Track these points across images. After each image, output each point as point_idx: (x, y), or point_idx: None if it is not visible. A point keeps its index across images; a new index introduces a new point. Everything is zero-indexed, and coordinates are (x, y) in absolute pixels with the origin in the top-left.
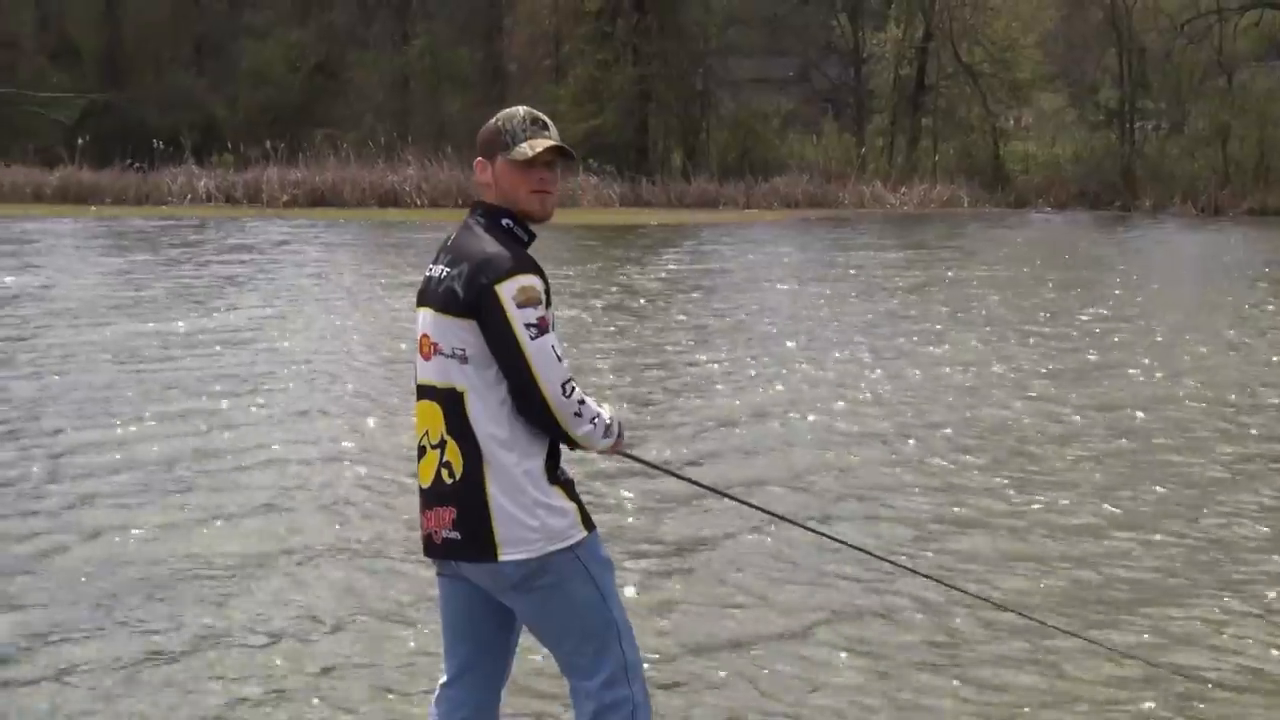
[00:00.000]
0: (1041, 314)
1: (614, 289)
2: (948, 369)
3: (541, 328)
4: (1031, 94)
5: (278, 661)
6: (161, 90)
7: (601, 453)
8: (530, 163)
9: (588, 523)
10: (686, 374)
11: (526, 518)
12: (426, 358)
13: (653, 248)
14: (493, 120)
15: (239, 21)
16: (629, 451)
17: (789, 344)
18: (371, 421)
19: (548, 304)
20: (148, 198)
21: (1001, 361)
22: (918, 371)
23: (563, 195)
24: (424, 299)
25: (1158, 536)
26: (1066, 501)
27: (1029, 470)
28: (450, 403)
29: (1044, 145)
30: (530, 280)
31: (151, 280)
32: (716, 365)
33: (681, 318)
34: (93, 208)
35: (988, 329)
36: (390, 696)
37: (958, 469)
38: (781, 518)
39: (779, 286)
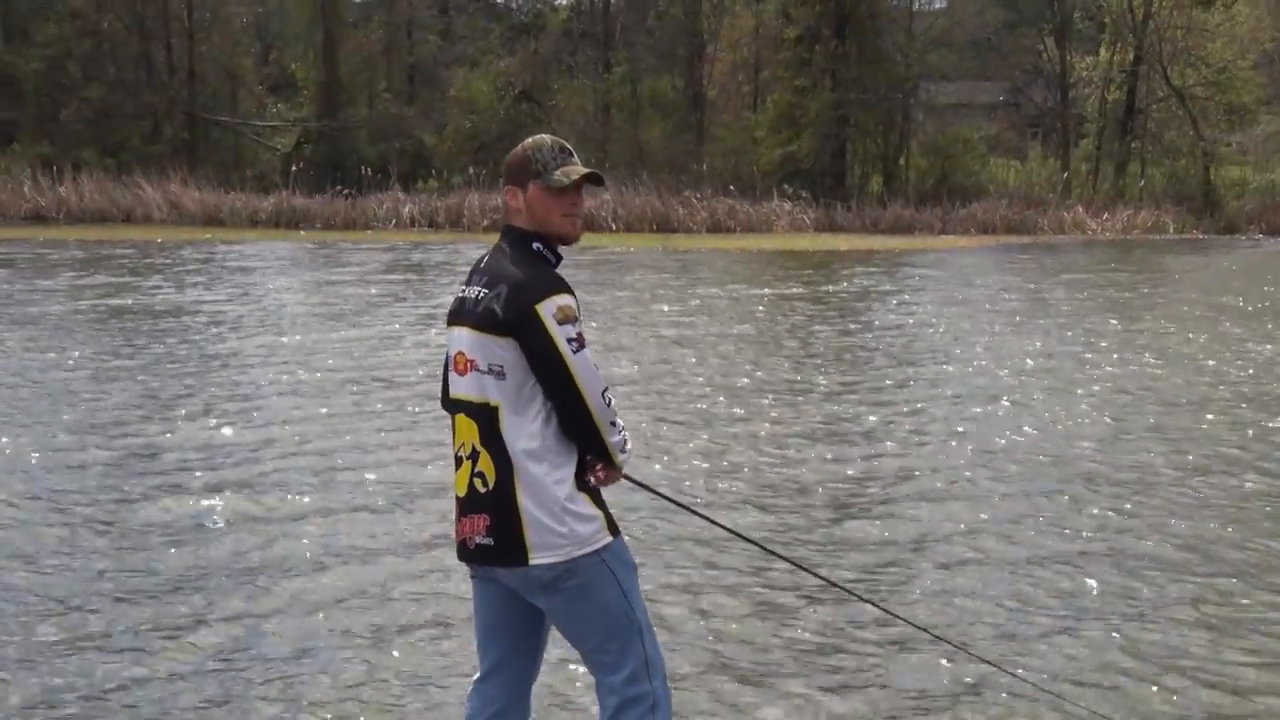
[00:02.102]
0: None
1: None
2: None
3: (580, 342)
4: (1252, 117)
5: None
6: (373, 119)
7: (609, 479)
8: (564, 189)
9: (613, 528)
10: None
11: (555, 524)
12: (462, 373)
13: (850, 274)
14: (520, 149)
15: (450, 51)
16: (633, 476)
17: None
18: None
19: (579, 320)
20: (355, 223)
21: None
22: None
23: (756, 220)
24: (459, 318)
25: None
26: None
27: None
28: (485, 416)
29: (1260, 169)
30: (567, 300)
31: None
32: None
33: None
34: (302, 232)
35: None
36: None
37: None
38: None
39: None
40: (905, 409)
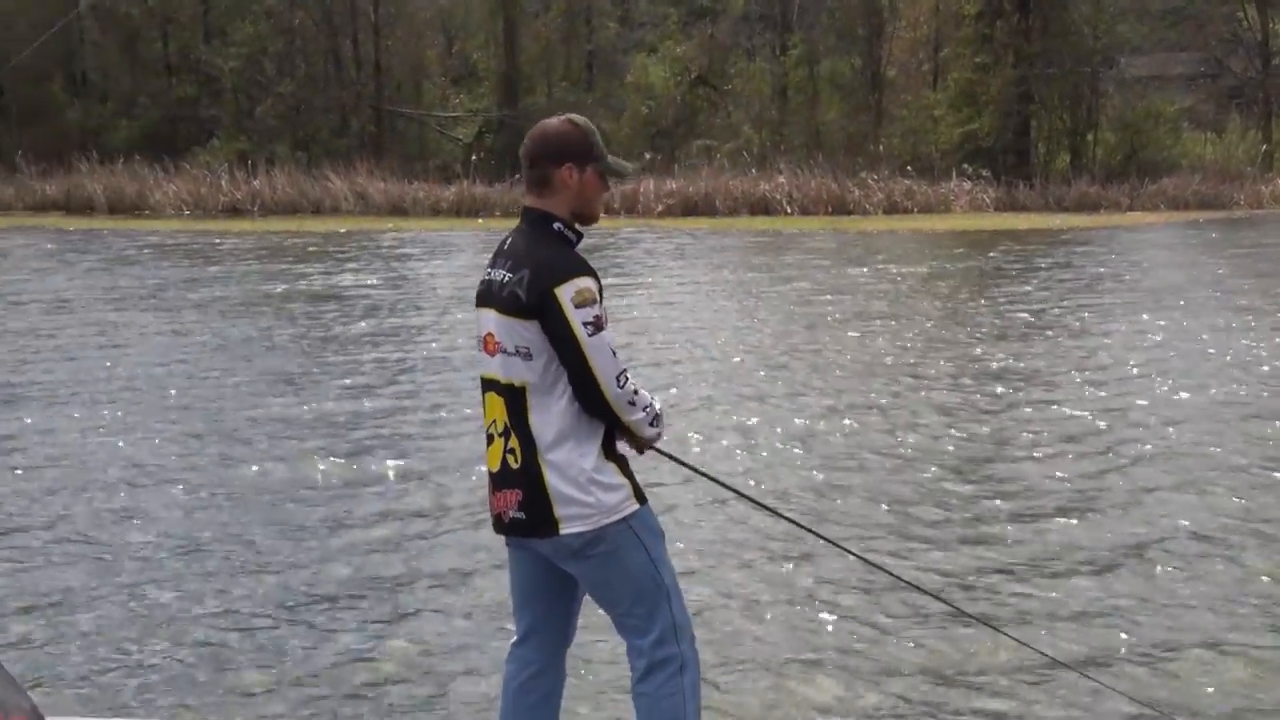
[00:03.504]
0: None
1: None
2: None
3: (598, 325)
4: None
5: None
6: (552, 107)
7: (645, 443)
8: (616, 176)
9: (640, 496)
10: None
11: (582, 495)
12: (491, 354)
13: (1026, 255)
14: (574, 129)
15: (629, 37)
16: (664, 450)
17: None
18: None
19: (601, 302)
20: None
21: None
22: None
23: (934, 201)
24: (486, 300)
25: None
26: None
27: None
28: (513, 396)
29: None
30: (586, 282)
31: None
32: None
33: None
34: (480, 220)
35: None
36: None
37: None
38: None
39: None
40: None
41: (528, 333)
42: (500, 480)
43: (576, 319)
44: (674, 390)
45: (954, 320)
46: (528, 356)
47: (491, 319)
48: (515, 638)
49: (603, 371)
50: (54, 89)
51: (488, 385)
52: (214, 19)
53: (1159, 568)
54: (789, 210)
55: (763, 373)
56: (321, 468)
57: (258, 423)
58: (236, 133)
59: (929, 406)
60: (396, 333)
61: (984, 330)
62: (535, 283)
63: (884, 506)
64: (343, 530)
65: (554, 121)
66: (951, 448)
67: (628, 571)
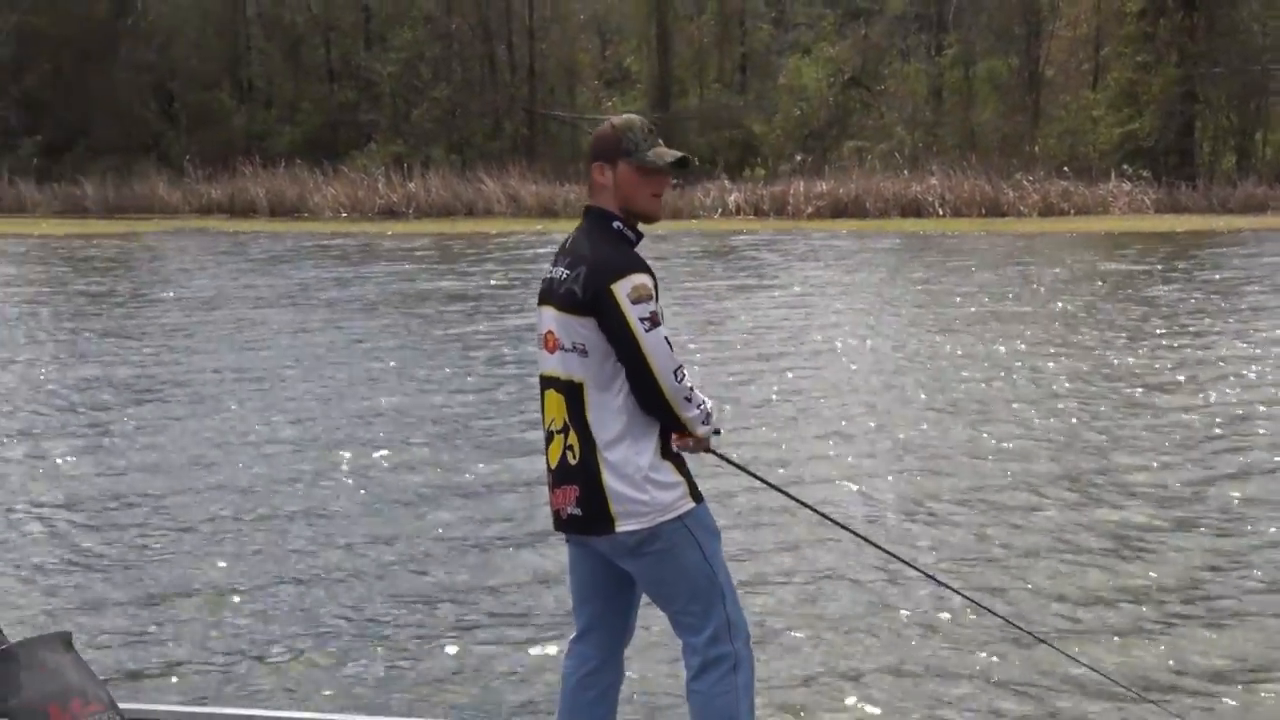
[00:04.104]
0: None
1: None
2: None
3: (654, 321)
4: None
5: None
6: (703, 109)
7: (696, 446)
8: (656, 170)
9: (696, 495)
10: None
11: (638, 493)
12: (550, 352)
13: (1186, 254)
14: (609, 128)
15: (783, 39)
16: (718, 450)
17: None
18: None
19: (657, 299)
20: (681, 212)
21: None
22: None
23: (1091, 202)
24: (546, 298)
25: None
26: None
27: None
28: (571, 393)
29: None
30: (642, 279)
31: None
32: None
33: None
34: None
35: None
36: None
37: None
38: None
39: None
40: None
41: (584, 329)
42: (559, 477)
43: (633, 315)
44: (777, 390)
45: (1087, 322)
46: (584, 353)
47: (551, 316)
48: (574, 634)
49: (660, 366)
50: (221, 96)
51: (547, 383)
52: (374, 26)
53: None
54: (940, 212)
55: (877, 377)
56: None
57: (360, 417)
58: (393, 136)
59: (1049, 413)
60: (520, 334)
61: (1117, 333)
62: (591, 280)
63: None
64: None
65: (603, 125)
66: (1058, 455)
67: (683, 569)
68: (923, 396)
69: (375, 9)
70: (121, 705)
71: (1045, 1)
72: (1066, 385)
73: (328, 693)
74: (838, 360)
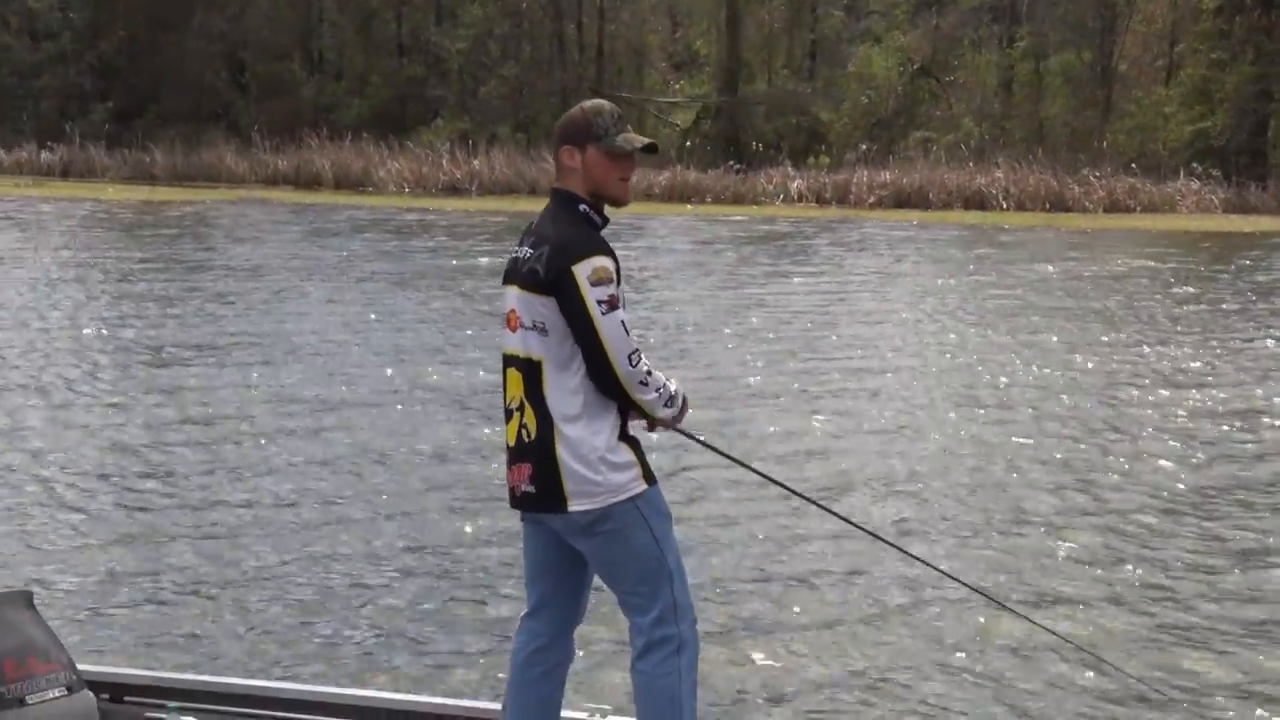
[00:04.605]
0: None
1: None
2: None
3: (612, 304)
4: None
5: None
6: (771, 95)
7: (661, 423)
8: (625, 154)
9: (649, 477)
10: None
11: (591, 473)
12: (513, 330)
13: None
14: (579, 112)
15: (855, 27)
16: (684, 429)
17: None
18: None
19: (618, 282)
20: (743, 198)
21: None
22: None
23: (1158, 200)
24: (511, 278)
25: None
26: None
27: None
28: (530, 371)
29: None
30: (603, 261)
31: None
32: None
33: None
34: (689, 206)
35: None
36: None
37: None
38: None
39: None
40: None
41: (545, 309)
42: (515, 454)
43: (591, 297)
44: (802, 379)
45: (1128, 319)
46: (544, 332)
47: (514, 295)
48: (525, 610)
49: (615, 349)
50: (292, 67)
51: (508, 361)
52: (445, 2)
53: None
54: (1004, 205)
55: (898, 368)
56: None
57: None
58: (460, 113)
59: (1069, 411)
60: None
61: (1152, 330)
62: (554, 260)
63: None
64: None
65: (573, 109)
66: (1080, 451)
67: (633, 550)
68: (928, 385)
69: None
70: (81, 667)
71: None
72: (1075, 378)
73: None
74: (862, 347)
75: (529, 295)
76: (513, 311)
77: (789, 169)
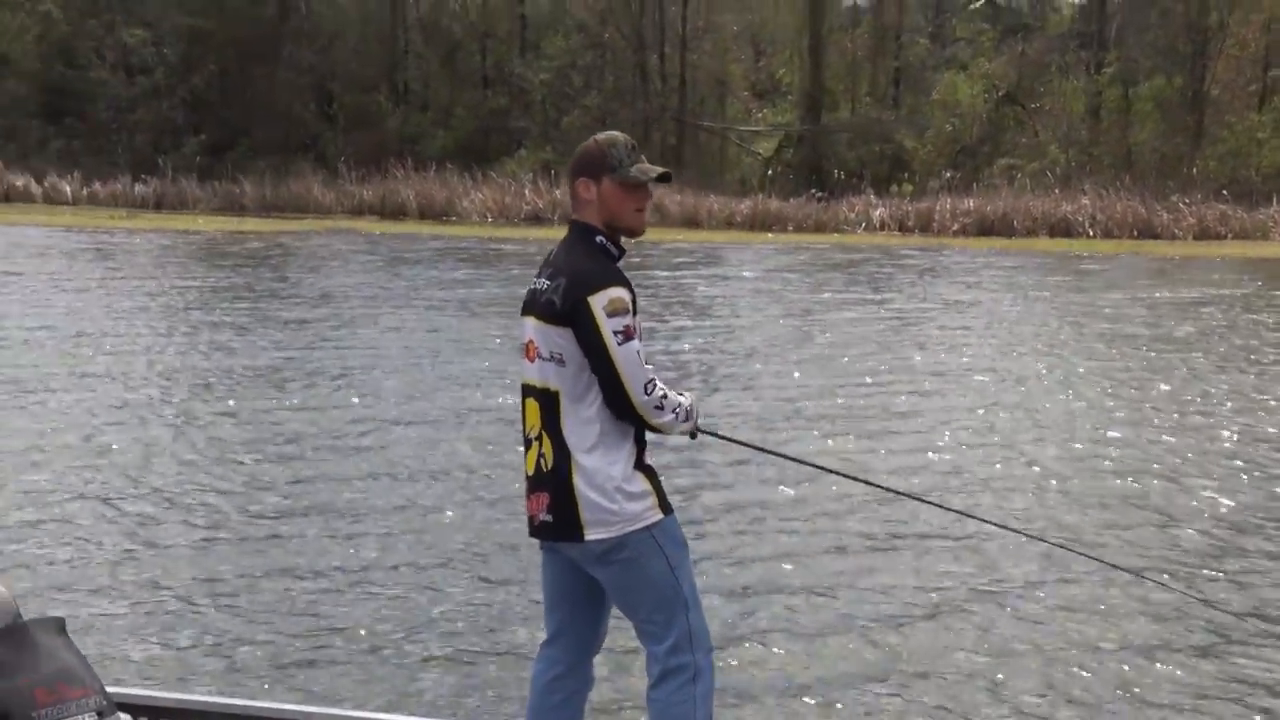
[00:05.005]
0: None
1: None
2: None
3: (627, 335)
4: None
5: None
6: (854, 123)
7: (682, 434)
8: (640, 184)
9: (664, 506)
10: None
11: (607, 502)
12: (531, 361)
13: None
14: (593, 144)
15: (940, 54)
16: (708, 430)
17: None
18: None
19: (634, 313)
20: (825, 226)
21: None
22: None
23: (1249, 227)
24: (529, 309)
25: None
26: None
27: None
28: (547, 401)
29: None
30: (619, 292)
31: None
32: None
33: None
34: (769, 234)
35: None
36: None
37: None
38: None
39: None
40: None
41: (561, 339)
42: (534, 484)
43: (607, 328)
44: (855, 404)
45: (1196, 349)
46: (561, 363)
47: (532, 326)
48: (545, 637)
49: (631, 379)
50: (379, 98)
51: (527, 391)
52: (529, 34)
53: None
54: (1090, 233)
55: (961, 394)
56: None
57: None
58: (543, 143)
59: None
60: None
61: (1219, 361)
62: (570, 291)
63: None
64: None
65: (587, 141)
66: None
67: (648, 579)
68: (967, 403)
69: (531, 17)
70: (118, 690)
71: (1213, 20)
72: (1108, 407)
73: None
74: (928, 373)
75: (546, 326)
76: (531, 342)
77: (871, 197)
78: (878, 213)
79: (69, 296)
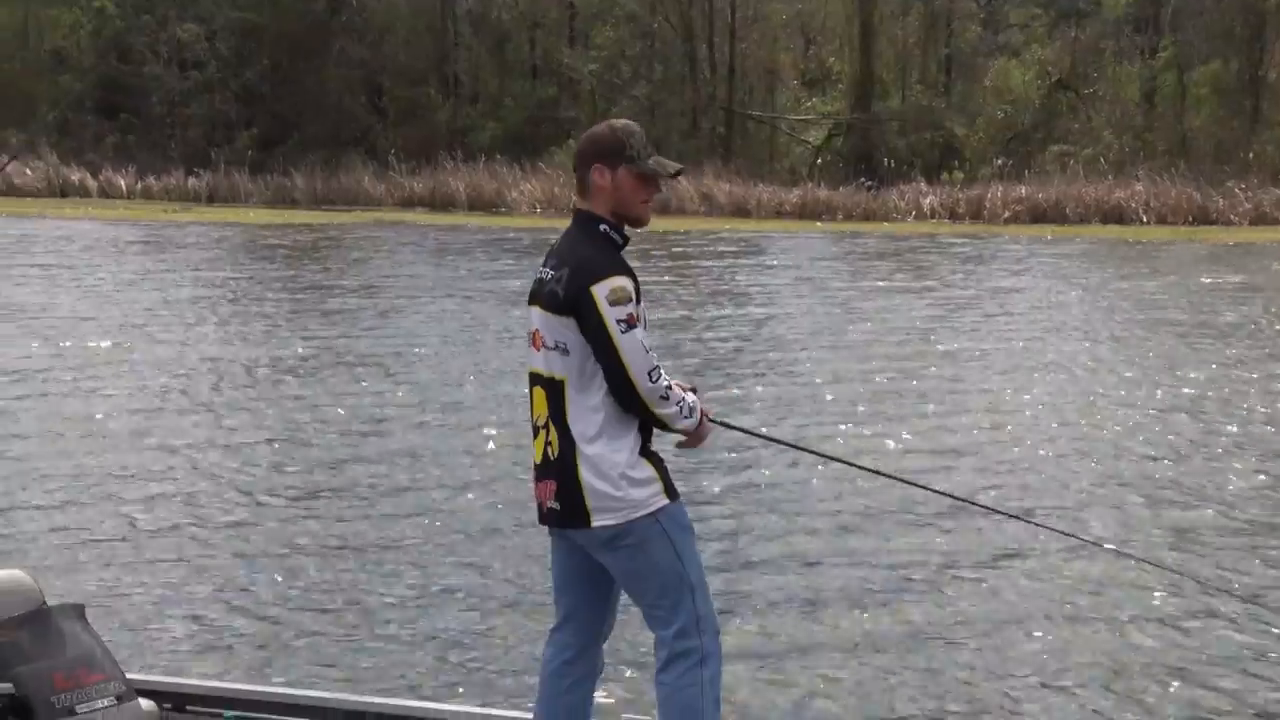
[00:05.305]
0: None
1: None
2: None
3: (630, 323)
4: None
5: None
6: (904, 111)
7: (682, 432)
8: (656, 177)
9: (670, 492)
10: None
11: (612, 489)
12: (537, 350)
13: None
14: (608, 130)
15: (992, 40)
16: (722, 420)
17: None
18: None
19: (637, 301)
20: (874, 214)
21: None
22: None
23: None
24: (534, 298)
25: None
26: None
27: None
28: (553, 390)
29: None
30: (621, 281)
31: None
32: None
33: None
34: (819, 223)
35: None
36: None
37: None
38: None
39: None
40: None
41: (565, 329)
42: (541, 471)
43: (610, 316)
44: (886, 392)
45: (1235, 335)
46: (565, 352)
47: (538, 315)
48: (554, 622)
49: (635, 367)
50: (429, 91)
51: (534, 380)
52: (578, 23)
53: None
54: (1144, 219)
55: (1000, 379)
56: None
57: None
58: None
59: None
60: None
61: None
62: (573, 281)
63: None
64: None
65: (598, 126)
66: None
67: (654, 565)
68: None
69: (580, 6)
70: (144, 677)
71: (1271, 2)
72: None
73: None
74: (966, 359)
75: (550, 316)
76: (536, 331)
77: (922, 185)
78: (928, 201)
79: (119, 288)
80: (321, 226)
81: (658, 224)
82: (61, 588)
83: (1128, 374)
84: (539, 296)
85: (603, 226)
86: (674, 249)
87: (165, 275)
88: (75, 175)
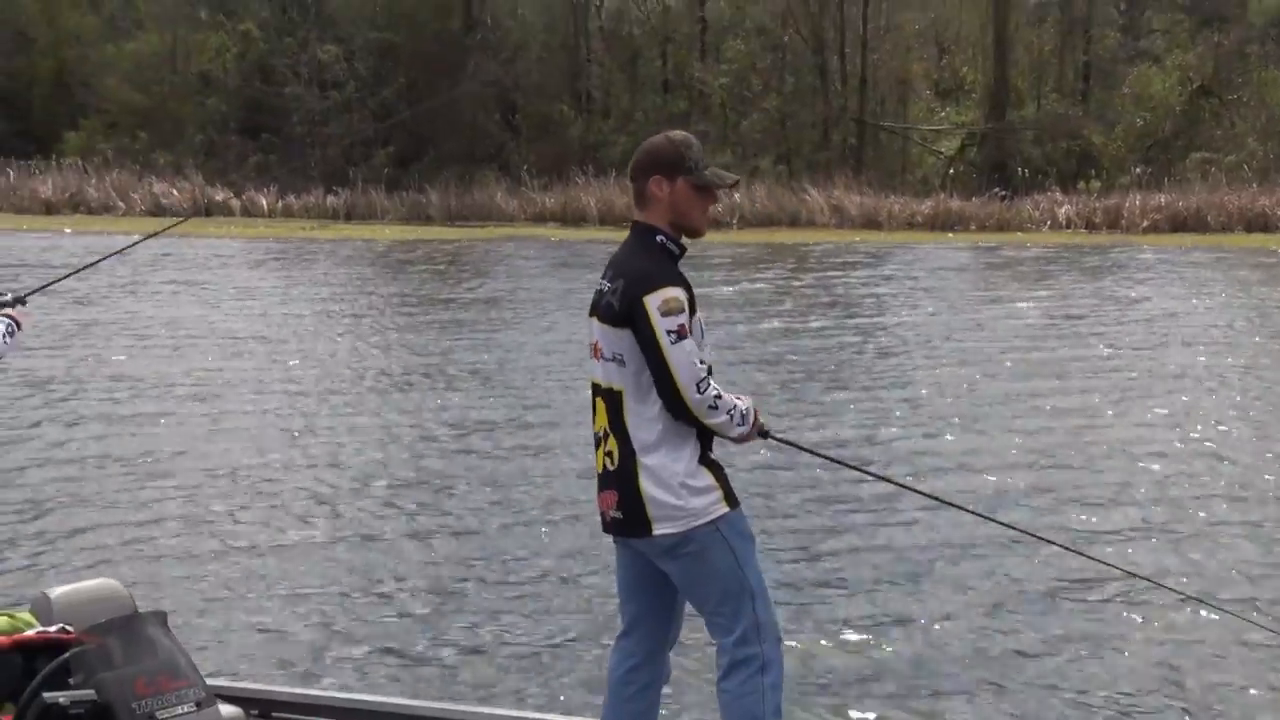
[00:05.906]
0: None
1: None
2: None
3: (680, 334)
4: None
5: None
6: (1040, 120)
7: (738, 440)
8: (714, 188)
9: (730, 500)
10: None
11: (672, 498)
12: (596, 360)
13: None
14: (666, 142)
15: (1132, 47)
16: (775, 435)
17: None
18: None
19: (691, 311)
20: (1008, 224)
21: None
22: None
23: None
24: (593, 310)
25: None
26: None
27: None
28: (612, 400)
29: None
30: (674, 292)
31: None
32: None
33: None
34: (951, 234)
35: None
36: None
37: None
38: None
39: None
40: None
41: (621, 340)
42: (603, 481)
43: (661, 327)
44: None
45: None
46: (622, 363)
47: (596, 327)
48: (620, 630)
49: (683, 378)
50: (561, 107)
51: (594, 390)
52: (709, 36)
53: None
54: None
55: (1106, 389)
56: None
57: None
58: (722, 146)
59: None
60: (738, 342)
61: None
62: (627, 292)
63: None
64: None
65: (655, 137)
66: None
67: (715, 572)
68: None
69: (711, 20)
70: (231, 684)
71: None
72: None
73: None
74: (1084, 372)
75: (607, 328)
76: (596, 343)
77: (1057, 194)
78: (1063, 210)
79: (255, 303)
80: (454, 242)
81: (785, 237)
82: (151, 596)
83: (1254, 386)
84: (597, 308)
85: (659, 237)
86: (803, 263)
87: (298, 290)
88: (219, 195)
